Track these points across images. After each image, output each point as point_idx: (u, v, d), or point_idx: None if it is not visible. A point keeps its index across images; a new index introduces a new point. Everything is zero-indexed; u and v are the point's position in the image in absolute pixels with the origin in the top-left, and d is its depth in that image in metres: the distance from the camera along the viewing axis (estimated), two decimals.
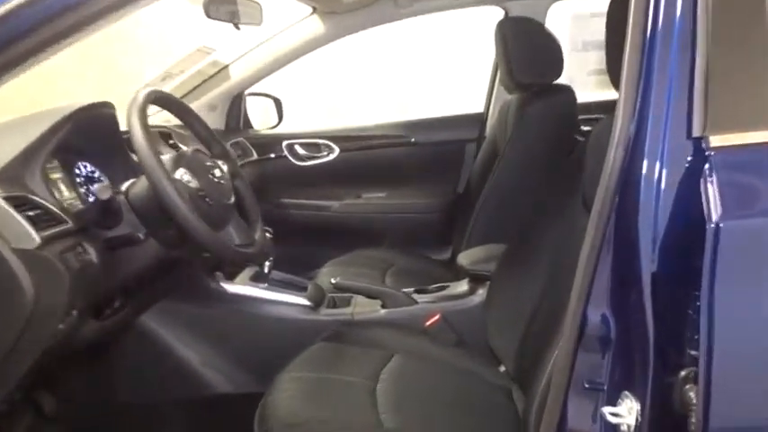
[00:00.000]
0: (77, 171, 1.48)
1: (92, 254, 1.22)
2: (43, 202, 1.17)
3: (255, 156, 2.50)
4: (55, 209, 1.19)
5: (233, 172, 1.54)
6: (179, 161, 1.32)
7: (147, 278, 1.42)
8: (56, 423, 1.70)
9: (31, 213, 1.11)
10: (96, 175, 1.53)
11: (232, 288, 1.75)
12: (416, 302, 1.77)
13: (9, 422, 1.58)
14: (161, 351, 1.73)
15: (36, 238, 1.07)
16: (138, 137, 1.21)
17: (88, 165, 1.52)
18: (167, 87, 2.42)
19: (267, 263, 1.81)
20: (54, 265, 1.07)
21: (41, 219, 1.13)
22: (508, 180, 2.00)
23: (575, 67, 2.64)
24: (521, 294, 1.49)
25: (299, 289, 1.85)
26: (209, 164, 1.38)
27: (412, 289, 1.85)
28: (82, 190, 1.47)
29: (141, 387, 1.75)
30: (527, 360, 1.38)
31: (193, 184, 1.29)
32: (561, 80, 2.02)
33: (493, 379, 1.54)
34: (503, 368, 1.56)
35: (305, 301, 1.76)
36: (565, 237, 1.27)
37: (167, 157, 1.35)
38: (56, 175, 1.40)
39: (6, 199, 1.08)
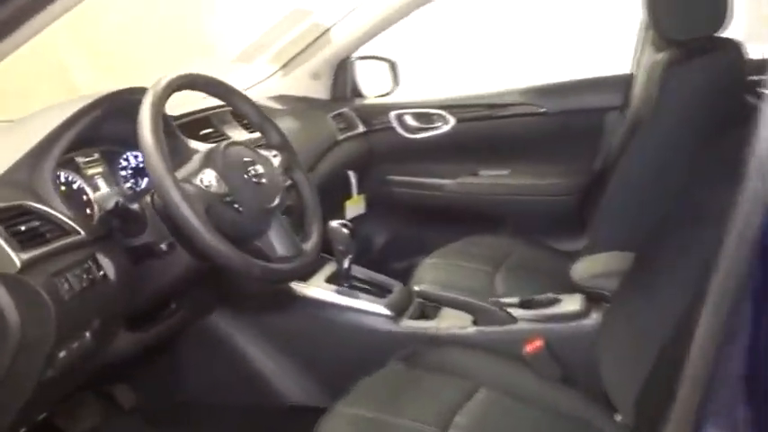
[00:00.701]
0: (123, 163, 1.34)
1: (108, 268, 1.07)
2: (48, 210, 1.03)
3: (362, 128, 2.26)
4: (63, 217, 1.04)
5: (288, 165, 1.31)
6: (206, 160, 1.12)
7: (185, 288, 1.26)
8: (132, 415, 1.65)
9: (23, 228, 0.97)
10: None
11: (303, 290, 1.55)
12: (515, 320, 1.44)
13: (80, 415, 1.54)
14: (228, 352, 1.59)
15: (15, 260, 0.92)
16: (145, 135, 1.01)
17: (139, 155, 1.38)
18: (261, 58, 2.25)
19: (347, 260, 1.58)
20: (34, 293, 0.92)
21: (38, 233, 0.99)
22: (647, 162, 1.54)
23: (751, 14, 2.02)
24: (648, 323, 1.11)
25: (382, 291, 1.61)
26: (247, 159, 1.16)
27: (515, 300, 1.52)
28: (126, 185, 1.33)
29: (208, 388, 1.63)
30: (651, 410, 1.02)
31: (217, 188, 1.08)
32: (729, 33, 1.51)
33: (605, 430, 1.20)
34: (619, 417, 1.21)
35: (384, 310, 1.51)
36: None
37: (198, 154, 1.15)
38: (95, 170, 1.27)
39: None
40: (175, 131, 1.38)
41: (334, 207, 2.18)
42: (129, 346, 1.23)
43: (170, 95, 1.11)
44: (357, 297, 1.54)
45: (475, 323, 1.46)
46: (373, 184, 2.28)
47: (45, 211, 1.03)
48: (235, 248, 1.03)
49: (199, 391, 1.64)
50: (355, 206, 2.21)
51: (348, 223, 1.55)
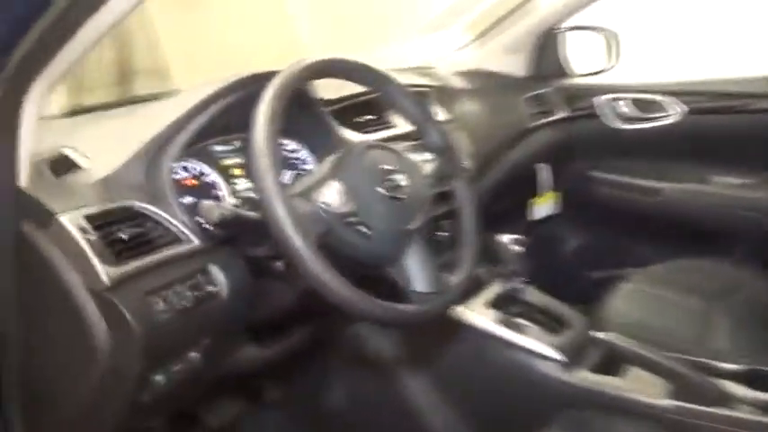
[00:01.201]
0: None
1: (220, 282, 0.93)
2: (160, 212, 0.91)
3: (562, 113, 1.91)
4: (176, 222, 0.91)
5: (445, 173, 1.06)
6: (334, 169, 0.91)
7: (314, 304, 1.08)
8: (275, 410, 1.57)
9: (123, 236, 0.85)
10: (301, 155, 1.23)
11: (460, 313, 1.30)
12: (736, 403, 1.06)
13: (220, 405, 1.49)
14: (375, 368, 1.42)
15: (103, 276, 0.80)
16: (256, 137, 0.83)
17: (291, 143, 1.23)
18: (454, 27, 1.99)
19: (515, 283, 1.30)
20: (119, 315, 0.80)
21: (143, 240, 0.87)
22: None
23: None
24: None
25: (557, 324, 1.31)
26: (386, 168, 0.94)
27: (741, 367, 1.13)
28: None
29: (353, 402, 1.48)
30: None
31: (341, 206, 0.87)
32: None
33: None
34: None
35: (555, 353, 1.22)
36: None
37: (327, 161, 0.95)
38: (233, 161, 1.14)
39: (92, 218, 0.84)
40: (324, 118, 1.20)
41: (516, 205, 1.88)
42: (253, 361, 1.10)
43: (302, 85, 0.92)
44: (523, 331, 1.26)
45: (675, 394, 1.10)
46: (568, 181, 1.93)
47: (156, 213, 0.91)
48: (350, 285, 0.82)
49: (343, 402, 1.50)
50: (544, 205, 1.89)
51: (521, 238, 1.27)
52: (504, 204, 1.83)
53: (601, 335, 1.17)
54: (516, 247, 1.25)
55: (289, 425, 1.56)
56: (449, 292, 0.96)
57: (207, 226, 0.92)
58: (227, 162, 1.13)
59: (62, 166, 0.92)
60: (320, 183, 0.89)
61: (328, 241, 0.87)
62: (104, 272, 0.80)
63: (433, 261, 0.96)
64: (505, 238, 1.26)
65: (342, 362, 1.48)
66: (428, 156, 1.05)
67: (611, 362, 1.21)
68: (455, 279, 0.98)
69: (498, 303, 1.34)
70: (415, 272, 0.93)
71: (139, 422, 0.95)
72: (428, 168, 1.03)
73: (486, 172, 1.62)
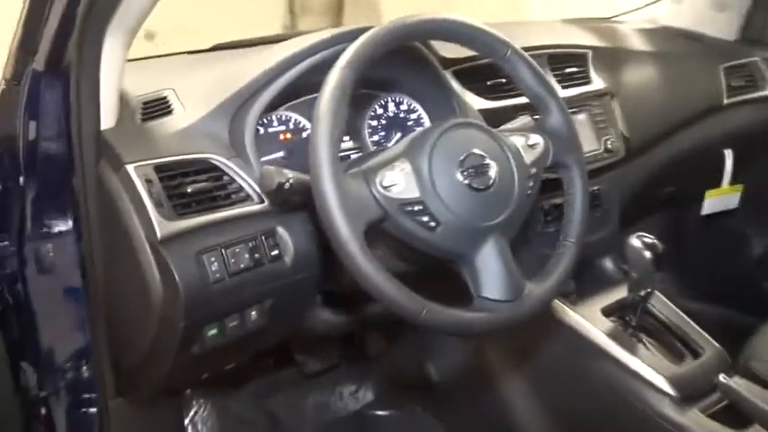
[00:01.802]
0: (378, 110, 1.11)
1: (285, 247, 0.89)
2: (235, 168, 0.88)
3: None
4: (250, 180, 0.88)
5: (558, 160, 0.91)
6: (411, 147, 0.81)
7: None
8: (376, 362, 1.55)
9: (189, 189, 0.84)
10: (417, 116, 1.14)
11: (567, 315, 1.15)
12: None
13: (319, 352, 1.50)
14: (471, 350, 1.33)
15: (157, 230, 0.80)
16: (322, 106, 0.75)
17: (407, 101, 1.13)
18: None
19: (641, 294, 1.11)
20: (168, 269, 0.80)
21: (210, 196, 0.86)
22: None
23: None
24: None
25: (687, 349, 1.11)
26: (475, 152, 0.81)
27: None
28: (373, 137, 1.11)
29: (446, 374, 1.41)
30: None
31: (404, 190, 0.77)
32: None
33: None
34: None
35: (667, 386, 1.03)
36: None
37: (408, 137, 0.84)
38: None
39: (162, 168, 0.83)
40: (443, 79, 1.08)
41: (684, 196, 1.61)
42: (328, 326, 1.07)
43: (384, 52, 0.81)
44: (637, 351, 1.08)
45: None
46: (758, 173, 1.59)
47: (231, 169, 0.88)
48: (399, 284, 0.74)
49: (441, 372, 1.44)
50: (722, 198, 1.58)
51: (657, 243, 1.07)
52: (669, 193, 1.57)
53: (728, 380, 0.96)
54: (648, 254, 1.05)
55: (381, 379, 1.54)
56: (525, 302, 0.83)
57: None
58: None
59: (156, 109, 0.93)
60: (388, 162, 0.80)
61: (386, 227, 0.78)
62: (160, 225, 0.80)
63: (512, 262, 0.83)
64: (637, 239, 1.07)
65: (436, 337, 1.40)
66: (539, 139, 0.90)
67: (737, 411, 0.99)
68: (537, 289, 0.85)
69: (618, 312, 1.16)
70: (489, 274, 0.81)
71: (194, 372, 0.98)
72: (534, 154, 0.89)
73: (649, 154, 1.39)
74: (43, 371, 1.06)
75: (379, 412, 1.53)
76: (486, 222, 0.81)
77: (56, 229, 0.97)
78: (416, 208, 0.78)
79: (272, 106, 0.97)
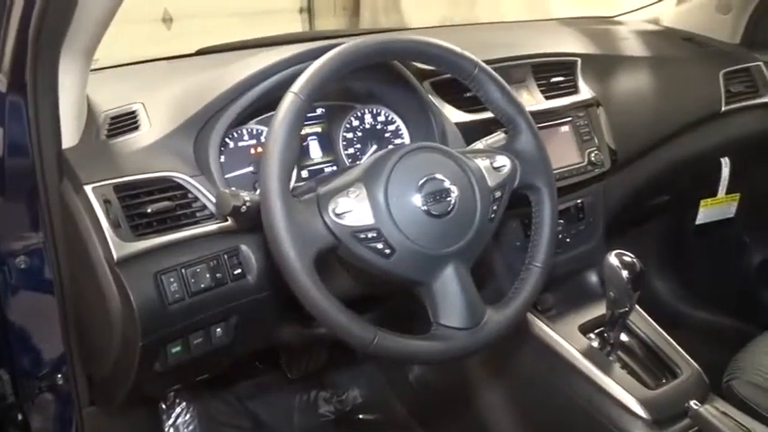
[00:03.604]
0: (353, 122, 1.10)
1: (248, 265, 0.88)
2: (198, 186, 0.88)
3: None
4: (213, 197, 0.88)
5: (526, 181, 0.89)
6: (368, 170, 0.79)
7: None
8: (360, 366, 1.55)
9: (149, 209, 0.84)
10: (395, 127, 1.12)
11: (541, 329, 1.13)
12: None
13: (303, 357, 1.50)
14: None
15: (113, 251, 0.80)
16: (274, 130, 0.74)
17: (385, 113, 1.12)
18: None
19: (618, 313, 1.09)
20: (124, 290, 0.80)
21: (172, 215, 0.85)
22: None
23: None
24: None
25: (662, 369, 1.09)
26: (436, 178, 0.79)
27: None
28: (348, 150, 1.09)
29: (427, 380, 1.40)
30: None
31: (357, 217, 0.76)
32: None
33: None
34: None
35: (639, 409, 1.01)
36: None
37: (366, 161, 0.83)
38: (311, 129, 1.07)
39: (122, 187, 0.83)
40: (419, 91, 1.06)
41: (679, 204, 1.57)
42: (299, 338, 1.07)
43: (346, 74, 0.79)
44: (611, 371, 1.06)
45: None
46: (756, 181, 1.55)
47: (195, 187, 0.88)
48: (350, 313, 0.73)
49: (426, 377, 1.44)
50: (718, 207, 1.54)
51: (636, 262, 1.04)
52: (662, 202, 1.53)
53: (699, 406, 0.94)
54: (624, 273, 1.03)
55: (371, 387, 1.54)
56: (484, 330, 0.81)
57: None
58: (305, 130, 1.06)
59: (123, 124, 0.92)
60: (343, 187, 0.78)
61: (340, 260, 0.77)
62: (116, 246, 0.80)
63: (471, 286, 0.81)
64: (615, 257, 1.05)
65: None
66: (506, 160, 0.88)
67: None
68: (497, 316, 0.83)
69: (597, 329, 1.14)
70: (446, 301, 0.80)
71: (163, 384, 0.98)
72: (499, 177, 0.87)
73: (639, 164, 1.35)
74: (18, 378, 1.08)
75: (364, 416, 1.53)
76: (444, 249, 0.79)
77: (27, 245, 0.98)
78: (370, 235, 0.77)
79: (242, 120, 0.96)
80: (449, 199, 0.80)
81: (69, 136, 0.86)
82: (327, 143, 1.08)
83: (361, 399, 1.55)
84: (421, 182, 0.79)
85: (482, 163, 0.86)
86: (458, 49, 0.87)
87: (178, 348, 0.88)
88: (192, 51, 1.28)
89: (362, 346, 0.74)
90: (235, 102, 0.91)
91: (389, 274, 0.79)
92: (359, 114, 1.10)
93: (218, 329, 0.91)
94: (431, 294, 0.80)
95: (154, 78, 1.10)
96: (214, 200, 0.88)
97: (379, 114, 1.11)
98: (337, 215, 0.76)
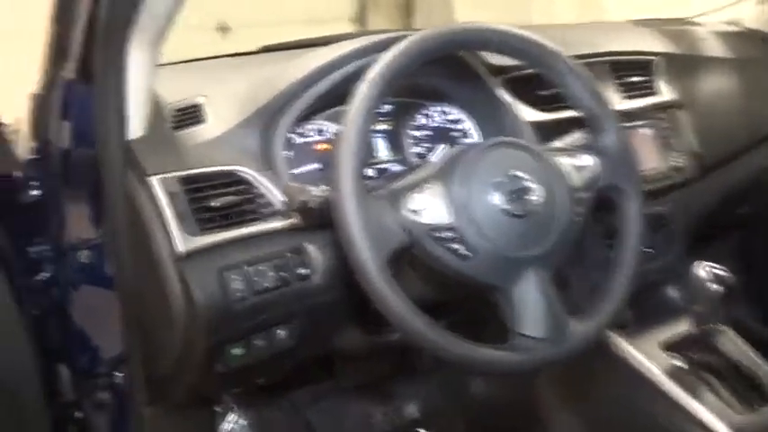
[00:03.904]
0: (421, 120, 1.05)
1: (315, 265, 0.84)
2: (264, 181, 0.84)
3: None
4: (279, 194, 0.84)
5: (611, 182, 0.82)
6: (445, 168, 0.75)
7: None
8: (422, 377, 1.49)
9: (215, 203, 0.81)
10: (464, 126, 1.07)
11: (627, 351, 1.05)
12: None
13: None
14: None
15: (179, 246, 0.77)
16: (351, 116, 0.70)
17: (454, 111, 1.07)
18: None
19: (716, 324, 1.00)
20: (188, 286, 0.77)
21: (237, 211, 0.82)
22: None
23: None
24: None
25: (753, 392, 1.00)
26: (516, 175, 0.74)
27: None
28: (414, 149, 1.04)
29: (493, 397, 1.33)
30: None
31: (434, 215, 0.71)
32: None
33: None
34: None
35: None
36: None
37: (443, 155, 0.78)
38: (376, 126, 1.03)
39: (188, 180, 0.81)
40: (492, 88, 1.01)
41: (764, 216, 1.46)
42: (363, 346, 1.03)
43: (420, 64, 0.75)
44: (699, 394, 0.97)
45: None
46: None
47: (260, 183, 0.85)
48: (424, 317, 0.68)
49: (488, 393, 1.37)
50: None
51: (726, 275, 0.96)
52: (748, 213, 1.43)
53: None
54: (714, 287, 0.95)
55: (432, 401, 1.48)
56: (567, 341, 0.75)
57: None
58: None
59: (187, 117, 0.90)
60: (418, 183, 0.74)
61: (414, 254, 0.73)
62: (181, 241, 0.77)
63: (554, 296, 0.75)
64: (704, 269, 0.97)
65: None
66: (590, 159, 0.82)
67: None
68: (581, 326, 0.77)
69: (680, 348, 1.06)
70: (527, 310, 0.74)
71: (223, 386, 0.95)
72: (583, 176, 0.81)
73: (726, 170, 1.27)
74: (78, 375, 1.07)
75: (423, 431, 1.47)
76: (525, 252, 0.74)
77: (91, 237, 0.96)
78: (447, 234, 0.72)
79: (309, 115, 0.93)
80: (530, 198, 0.74)
81: (135, 127, 0.84)
82: (394, 141, 1.03)
83: (418, 413, 1.49)
84: (501, 179, 0.74)
85: (565, 161, 0.80)
86: (541, 40, 0.81)
87: (239, 350, 0.85)
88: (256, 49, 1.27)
89: (440, 354, 0.70)
90: (302, 95, 0.88)
91: (466, 277, 0.73)
92: (427, 112, 1.06)
93: (281, 332, 0.88)
94: (509, 301, 0.75)
95: (218, 73, 1.08)
96: (280, 196, 0.85)
97: (448, 113, 1.06)
98: (413, 212, 0.71)
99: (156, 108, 0.91)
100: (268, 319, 0.84)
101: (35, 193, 0.94)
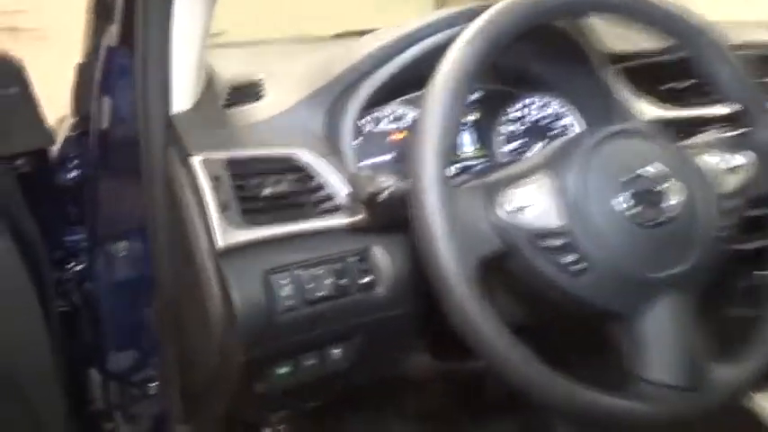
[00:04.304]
0: (514, 113, 0.89)
1: (382, 271, 0.70)
2: (326, 170, 0.70)
3: None
4: (342, 185, 0.70)
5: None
6: (551, 158, 0.58)
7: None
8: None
9: (265, 192, 0.67)
10: (567, 122, 0.90)
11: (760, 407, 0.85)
12: None
13: None
14: None
15: (218, 239, 0.64)
16: (430, 100, 0.55)
17: (556, 103, 0.90)
18: None
19: None
20: (226, 288, 0.63)
21: (291, 202, 0.68)
22: None
23: None
24: None
25: None
26: (653, 170, 0.57)
27: None
28: (508, 146, 0.88)
29: None
30: None
31: (540, 216, 0.55)
32: None
33: None
34: None
35: None
36: None
37: (549, 146, 0.62)
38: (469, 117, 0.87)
39: (236, 164, 0.67)
40: (605, 78, 0.84)
41: None
42: (432, 374, 0.87)
43: (526, 30, 0.59)
44: None
45: None
46: None
47: (321, 169, 0.71)
48: (530, 355, 0.52)
49: None
50: None
51: None
52: None
53: None
54: None
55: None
56: (709, 392, 0.57)
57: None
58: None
59: (244, 94, 0.78)
60: (521, 175, 0.58)
61: (508, 266, 0.56)
62: (222, 233, 0.64)
63: (696, 334, 0.57)
64: None
65: None
66: (743, 159, 0.64)
67: None
68: (727, 374, 0.58)
69: None
70: (656, 348, 0.56)
71: (265, 409, 0.81)
72: (735, 180, 0.62)
73: None
74: (110, 382, 0.95)
75: None
76: (657, 273, 0.56)
77: (128, 227, 0.85)
78: (557, 242, 0.55)
79: (383, 98, 0.79)
80: (667, 203, 0.57)
81: (180, 100, 0.72)
82: (481, 136, 0.88)
83: None
84: (628, 177, 0.57)
85: (712, 160, 0.62)
86: (684, 12, 0.64)
87: (285, 369, 0.71)
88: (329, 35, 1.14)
89: (541, 399, 0.53)
90: (376, 70, 0.74)
91: (577, 299, 0.56)
92: (523, 104, 0.89)
93: (336, 351, 0.73)
94: (633, 335, 0.57)
95: (286, 53, 0.96)
96: (344, 187, 0.70)
97: (547, 106, 0.90)
98: (511, 212, 0.55)
99: (209, 83, 0.79)
100: (321, 334, 0.70)
101: (72, 174, 0.84)
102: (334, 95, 0.74)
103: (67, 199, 0.85)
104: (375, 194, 0.61)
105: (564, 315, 0.62)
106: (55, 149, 0.83)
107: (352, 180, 0.63)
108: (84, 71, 0.81)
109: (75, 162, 0.84)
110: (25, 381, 0.74)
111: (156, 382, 0.90)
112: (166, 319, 0.81)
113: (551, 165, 0.58)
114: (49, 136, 0.74)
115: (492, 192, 0.56)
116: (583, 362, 0.65)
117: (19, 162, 0.73)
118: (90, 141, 0.81)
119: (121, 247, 0.86)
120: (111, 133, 0.79)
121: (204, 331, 0.70)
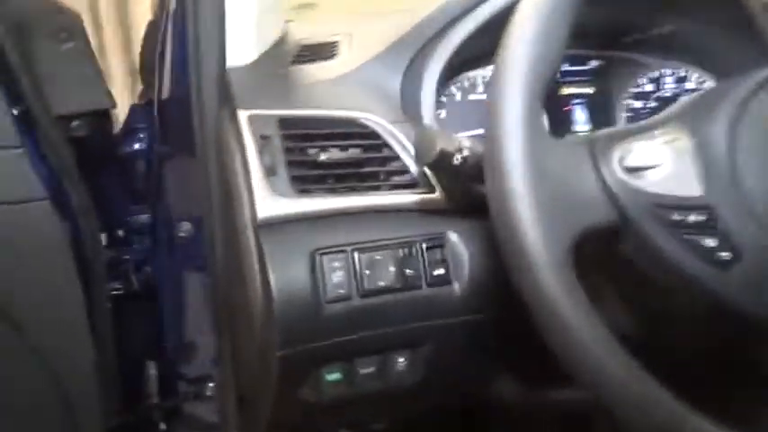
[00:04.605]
0: (644, 87, 0.73)
1: (458, 262, 0.57)
2: (399, 137, 0.58)
3: None
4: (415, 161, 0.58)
5: None
6: (691, 110, 0.42)
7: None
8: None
9: (323, 158, 0.56)
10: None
11: None
12: None
13: None
14: None
15: (259, 207, 0.53)
16: (508, 44, 0.41)
17: (693, 72, 0.73)
18: None
19: None
20: (263, 267, 0.53)
21: (348, 172, 0.57)
22: None
23: None
24: None
25: None
26: None
27: None
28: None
29: None
30: None
31: (668, 181, 0.39)
32: None
33: None
34: None
35: None
36: None
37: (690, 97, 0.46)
38: (577, 89, 0.72)
39: (292, 123, 0.57)
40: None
41: None
42: (517, 402, 0.71)
43: None
44: None
45: None
46: None
47: (393, 136, 0.59)
48: (656, 383, 0.36)
49: None
50: None
51: None
52: None
53: None
54: None
55: None
56: None
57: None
58: (567, 90, 0.72)
59: (313, 53, 0.68)
60: (645, 128, 0.42)
61: (617, 246, 0.41)
62: (263, 202, 0.53)
63: None
64: None
65: None
66: None
67: None
68: None
69: None
70: None
71: (321, 423, 0.69)
72: None
73: None
74: (167, 378, 0.87)
75: None
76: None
77: (191, 209, 0.77)
78: (693, 218, 0.39)
79: (470, 62, 0.66)
80: None
81: (238, 52, 0.63)
82: (601, 113, 0.72)
83: None
84: None
85: None
86: None
87: (336, 375, 0.59)
88: None
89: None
90: (464, 18, 0.61)
91: (721, 299, 0.40)
92: (655, 75, 0.73)
93: (401, 359, 0.60)
94: None
95: (369, 18, 0.86)
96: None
97: (687, 78, 0.73)
98: (629, 169, 0.40)
99: (279, 41, 0.70)
100: (380, 336, 0.57)
101: (137, 146, 0.77)
102: (414, 50, 0.62)
103: (132, 173, 0.79)
104: (449, 156, 0.47)
105: (695, 324, 0.45)
106: (121, 118, 0.78)
107: (420, 136, 0.50)
108: (151, 31, 0.75)
109: (141, 134, 0.78)
110: (61, 368, 0.68)
111: (212, 384, 0.81)
112: (220, 309, 0.72)
113: (686, 118, 0.42)
114: (107, 97, 0.69)
115: (601, 145, 0.41)
116: (721, 395, 0.48)
117: (75, 123, 0.68)
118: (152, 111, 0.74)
119: (184, 229, 0.79)
120: (172, 96, 0.72)
121: (247, 323, 0.60)
